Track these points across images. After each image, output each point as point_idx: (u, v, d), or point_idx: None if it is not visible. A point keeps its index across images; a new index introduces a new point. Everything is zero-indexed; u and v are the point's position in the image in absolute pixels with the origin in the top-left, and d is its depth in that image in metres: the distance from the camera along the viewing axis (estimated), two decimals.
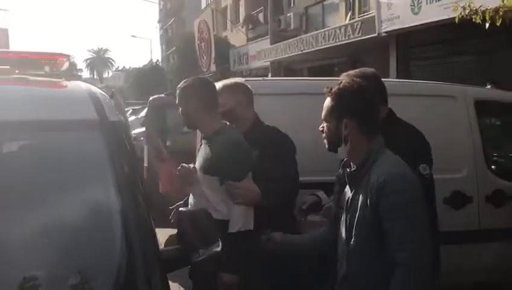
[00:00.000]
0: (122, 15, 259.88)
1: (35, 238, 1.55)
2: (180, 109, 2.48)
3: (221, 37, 26.54)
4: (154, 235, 1.69)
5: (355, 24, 11.30)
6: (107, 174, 1.69)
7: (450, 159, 3.59)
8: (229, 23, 27.47)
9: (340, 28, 11.93)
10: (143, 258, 1.52)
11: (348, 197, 1.98)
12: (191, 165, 2.56)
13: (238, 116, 2.62)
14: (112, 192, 1.65)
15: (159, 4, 52.40)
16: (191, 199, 2.57)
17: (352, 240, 1.92)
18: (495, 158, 4.04)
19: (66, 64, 2.38)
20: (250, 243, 2.27)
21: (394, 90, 3.64)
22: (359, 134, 1.93)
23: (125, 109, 12.13)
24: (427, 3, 8.64)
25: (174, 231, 1.80)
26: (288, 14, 18.85)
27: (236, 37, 25.27)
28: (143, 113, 12.09)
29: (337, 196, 2.19)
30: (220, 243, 1.77)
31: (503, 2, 4.44)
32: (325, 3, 17.40)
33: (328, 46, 12.38)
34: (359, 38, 10.93)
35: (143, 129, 7.83)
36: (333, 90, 1.97)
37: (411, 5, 9.04)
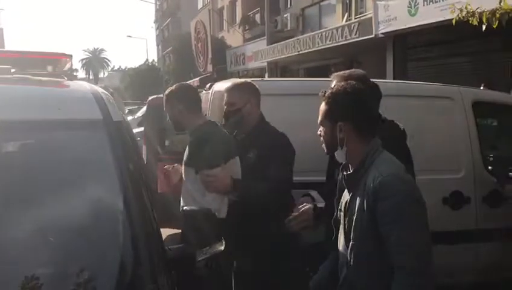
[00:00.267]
0: (118, 15, 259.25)
1: (41, 238, 1.55)
2: (168, 115, 2.73)
3: (217, 37, 26.52)
4: (159, 234, 1.70)
5: (353, 25, 11.35)
6: (111, 174, 1.69)
7: (448, 159, 3.63)
8: (225, 23, 27.46)
9: (337, 29, 11.97)
10: (149, 257, 1.52)
11: (346, 200, 1.99)
12: (175, 164, 2.77)
13: (246, 116, 2.67)
14: (117, 191, 1.65)
15: (155, 4, 52.30)
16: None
17: (351, 243, 1.92)
18: (492, 159, 4.07)
19: (69, 65, 2.38)
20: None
21: (392, 91, 3.67)
22: (355, 137, 1.93)
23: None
24: (424, 5, 8.69)
25: (172, 231, 1.85)
26: (285, 15, 18.88)
27: (233, 37, 25.27)
28: (140, 113, 12.09)
29: (338, 199, 2.20)
30: (224, 242, 1.78)
31: (500, 4, 4.47)
32: (321, 4, 17.43)
33: (325, 47, 12.41)
34: (356, 40, 10.97)
35: (140, 129, 7.82)
36: (326, 94, 1.98)
37: (408, 7, 9.09)
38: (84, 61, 72.30)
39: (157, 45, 55.20)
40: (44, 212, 1.59)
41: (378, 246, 1.82)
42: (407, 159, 2.42)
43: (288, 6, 19.89)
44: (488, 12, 4.49)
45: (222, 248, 1.81)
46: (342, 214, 2.02)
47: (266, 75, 16.73)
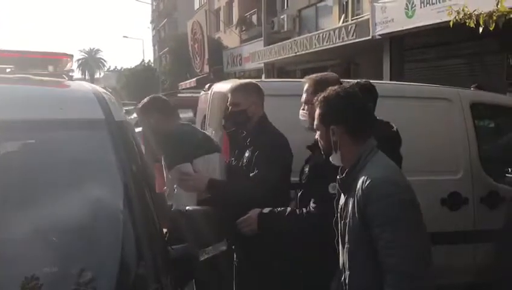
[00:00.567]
0: (114, 15, 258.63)
1: (43, 238, 1.55)
2: (145, 126, 2.97)
3: (214, 38, 26.52)
4: (162, 234, 1.70)
5: (350, 26, 11.37)
6: (113, 174, 1.69)
7: (447, 161, 3.65)
8: (222, 24, 27.46)
9: (334, 30, 11.99)
10: (152, 257, 1.53)
11: (342, 203, 2.00)
12: None
13: (250, 116, 2.68)
14: (119, 191, 1.65)
15: (152, 5, 52.24)
16: None
17: (346, 245, 1.93)
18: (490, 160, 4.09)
19: (70, 64, 2.38)
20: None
21: (390, 92, 3.69)
22: (348, 139, 1.93)
23: None
24: (421, 7, 8.72)
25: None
26: (282, 16, 18.90)
27: (230, 38, 25.27)
28: (136, 114, 12.04)
29: (337, 202, 2.21)
30: (226, 242, 1.79)
31: (497, 6, 4.50)
32: (318, 5, 17.46)
33: (322, 48, 12.43)
34: (353, 41, 10.99)
35: (139, 129, 7.81)
36: (319, 98, 2.00)
37: (405, 9, 9.12)
38: (80, 61, 72.04)
39: (154, 46, 55.13)
40: (47, 213, 1.59)
41: (370, 249, 1.82)
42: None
43: (285, 7, 19.91)
44: (485, 15, 4.51)
45: (224, 247, 1.82)
46: (339, 216, 2.02)
47: (263, 76, 16.74)
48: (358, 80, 3.08)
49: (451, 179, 3.58)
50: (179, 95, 8.44)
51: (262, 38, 16.83)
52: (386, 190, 1.80)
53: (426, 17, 8.51)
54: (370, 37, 10.31)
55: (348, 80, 3.06)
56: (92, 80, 64.79)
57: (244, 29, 23.67)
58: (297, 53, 13.78)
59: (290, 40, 14.94)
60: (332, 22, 15.23)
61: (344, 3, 15.24)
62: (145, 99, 3.05)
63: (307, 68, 15.62)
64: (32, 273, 1.44)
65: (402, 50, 10.42)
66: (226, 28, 26.42)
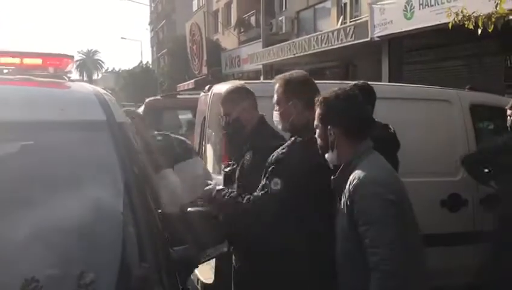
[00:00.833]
0: (112, 17, 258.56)
1: (44, 240, 1.54)
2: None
3: (212, 39, 26.53)
4: (164, 236, 1.69)
5: (348, 28, 11.38)
6: (115, 175, 1.69)
7: (446, 162, 3.66)
8: (220, 26, 27.47)
9: (333, 32, 12.00)
10: (154, 259, 1.52)
11: (337, 201, 2.04)
12: None
13: (244, 123, 2.65)
14: (121, 192, 1.65)
15: (150, 6, 52.23)
16: None
17: (338, 243, 2.00)
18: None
19: (70, 66, 2.37)
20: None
21: (390, 94, 3.70)
22: (344, 140, 1.99)
23: None
24: (419, 9, 8.73)
25: None
26: (280, 18, 18.93)
27: (228, 40, 25.29)
28: None
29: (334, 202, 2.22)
30: (227, 244, 1.79)
31: (496, 8, 4.51)
32: (316, 7, 17.49)
33: (320, 50, 12.44)
34: (352, 43, 11.00)
35: None
36: (320, 98, 2.06)
37: (404, 11, 9.13)
38: (78, 62, 71.92)
39: (152, 47, 55.08)
40: (48, 214, 1.58)
41: (358, 247, 1.87)
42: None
43: (283, 9, 19.94)
44: (484, 17, 4.52)
45: (225, 249, 1.82)
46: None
47: (261, 77, 16.74)
48: (356, 82, 3.08)
49: (450, 181, 3.59)
50: (178, 96, 8.43)
51: (261, 40, 16.84)
52: (371, 189, 1.86)
53: (425, 18, 8.52)
54: (369, 39, 10.32)
55: (347, 82, 3.07)
56: (90, 81, 64.63)
57: (242, 30, 23.68)
58: (296, 55, 13.79)
59: (288, 42, 14.96)
60: (331, 23, 15.27)
61: (342, 5, 15.27)
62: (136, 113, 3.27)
63: (306, 70, 15.59)
64: (32, 275, 1.43)
65: (401, 52, 10.43)
66: (224, 29, 26.43)
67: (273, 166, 2.21)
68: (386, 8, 9.75)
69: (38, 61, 2.24)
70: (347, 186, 1.92)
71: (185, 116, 8.49)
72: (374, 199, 1.84)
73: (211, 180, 2.70)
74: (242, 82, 3.80)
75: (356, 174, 1.91)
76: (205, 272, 3.31)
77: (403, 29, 9.25)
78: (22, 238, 1.53)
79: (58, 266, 1.50)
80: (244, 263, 2.54)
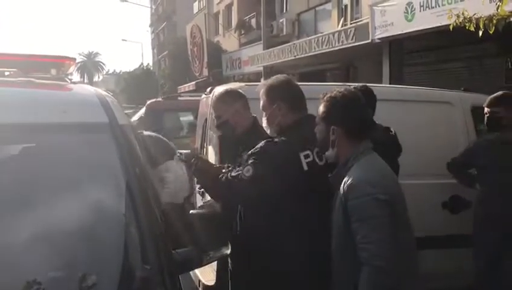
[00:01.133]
0: (113, 19, 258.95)
1: (46, 242, 1.54)
2: None
3: (213, 41, 26.56)
4: (166, 238, 1.69)
5: (349, 30, 11.38)
6: (118, 177, 1.69)
7: None
8: (221, 28, 27.50)
9: (333, 34, 12.00)
10: (156, 260, 1.52)
11: (334, 198, 2.13)
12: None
13: (235, 126, 2.66)
14: (123, 194, 1.65)
15: (151, 8, 52.30)
16: None
17: (335, 239, 2.09)
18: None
19: (72, 68, 2.38)
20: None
21: (392, 96, 3.71)
22: (345, 139, 2.09)
23: None
24: (420, 11, 8.73)
25: None
26: (281, 20, 18.95)
27: (229, 42, 25.31)
28: (135, 117, 12.08)
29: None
30: (230, 245, 1.79)
31: (497, 10, 4.51)
32: (317, 9, 17.51)
33: (321, 51, 12.45)
34: (353, 44, 11.00)
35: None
36: (326, 97, 2.13)
37: (405, 12, 9.13)
38: (78, 64, 72.00)
39: (153, 49, 55.16)
40: (50, 216, 1.59)
41: (351, 242, 1.96)
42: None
43: (284, 11, 19.96)
44: (484, 18, 4.52)
45: (228, 251, 1.81)
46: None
47: (262, 79, 16.72)
48: (356, 85, 3.08)
49: (452, 183, 3.59)
50: (179, 98, 8.44)
51: (262, 41, 16.85)
52: (365, 189, 1.95)
53: (426, 20, 8.52)
54: (369, 41, 10.32)
55: (348, 84, 3.07)
56: (91, 83, 64.71)
57: (243, 32, 23.71)
58: (297, 56, 13.79)
59: (289, 44, 14.96)
60: (331, 25, 15.28)
61: (343, 7, 15.28)
62: None
63: (306, 72, 15.64)
64: (34, 277, 1.43)
65: (401, 54, 10.42)
66: (225, 31, 26.46)
67: (251, 157, 2.25)
68: (386, 10, 9.75)
69: (40, 63, 2.25)
70: (342, 185, 2.01)
71: (186, 118, 8.50)
72: (367, 198, 1.93)
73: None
74: (243, 84, 3.81)
75: (352, 174, 2.01)
76: (207, 274, 3.30)
77: (404, 31, 9.24)
78: (24, 240, 1.53)
79: (60, 268, 1.50)
80: (240, 265, 2.54)
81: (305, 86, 2.58)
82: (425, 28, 8.58)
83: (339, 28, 13.35)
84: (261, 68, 17.07)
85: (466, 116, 3.71)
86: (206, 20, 25.52)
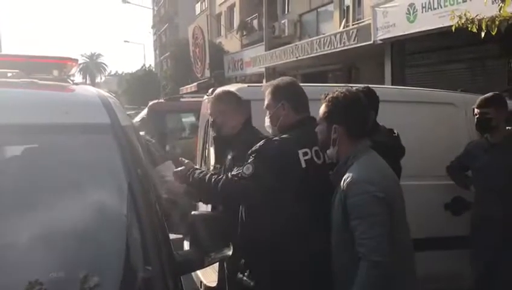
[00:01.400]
0: (115, 20, 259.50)
1: (48, 242, 1.54)
2: None
3: (215, 43, 26.58)
4: (168, 239, 1.69)
5: (351, 31, 11.39)
6: (120, 178, 1.69)
7: None
8: (223, 29, 27.53)
9: (335, 35, 12.01)
10: (158, 262, 1.52)
11: (334, 196, 2.17)
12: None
13: (221, 126, 2.81)
14: (125, 196, 1.65)
15: (153, 10, 52.37)
16: None
17: (334, 235, 2.14)
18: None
19: (74, 69, 2.38)
20: None
21: (395, 97, 3.70)
22: (346, 138, 2.14)
23: None
24: (422, 12, 8.73)
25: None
26: (283, 21, 18.96)
27: (231, 43, 25.33)
28: (137, 118, 12.10)
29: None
30: (232, 247, 1.78)
31: (499, 11, 4.50)
32: (319, 10, 17.52)
33: (323, 52, 12.45)
34: (354, 46, 11.01)
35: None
36: (327, 97, 2.18)
37: (407, 14, 9.13)
38: (81, 66, 72.14)
39: (155, 50, 55.24)
40: (52, 217, 1.59)
41: (350, 238, 2.01)
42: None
43: (286, 12, 19.98)
44: (487, 20, 4.51)
45: (230, 253, 1.81)
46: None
47: (264, 80, 16.75)
48: (358, 87, 3.07)
49: (454, 184, 3.57)
50: (181, 99, 8.45)
51: (264, 43, 16.86)
52: (363, 187, 2.01)
53: (428, 21, 8.53)
54: (371, 42, 10.33)
55: (350, 85, 3.06)
56: (93, 84, 64.78)
57: (245, 33, 23.72)
58: (299, 58, 13.80)
59: (291, 45, 14.98)
60: (333, 26, 15.27)
61: (345, 8, 15.27)
62: None
63: (308, 73, 15.65)
64: (36, 278, 1.43)
65: (403, 55, 10.44)
66: (227, 32, 26.49)
67: (251, 155, 2.29)
68: (388, 11, 9.76)
69: (43, 64, 2.25)
70: (342, 182, 2.06)
71: (188, 119, 8.51)
72: (366, 195, 1.99)
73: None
74: (245, 85, 3.81)
75: (351, 172, 2.06)
76: (208, 275, 3.30)
77: (406, 32, 9.26)
78: (26, 241, 1.53)
79: (62, 269, 1.50)
80: (239, 265, 2.53)
81: (308, 87, 2.59)
82: (427, 29, 8.59)
83: (341, 29, 13.35)
84: (263, 69, 17.10)
85: (469, 117, 3.70)
86: (208, 21, 25.55)
